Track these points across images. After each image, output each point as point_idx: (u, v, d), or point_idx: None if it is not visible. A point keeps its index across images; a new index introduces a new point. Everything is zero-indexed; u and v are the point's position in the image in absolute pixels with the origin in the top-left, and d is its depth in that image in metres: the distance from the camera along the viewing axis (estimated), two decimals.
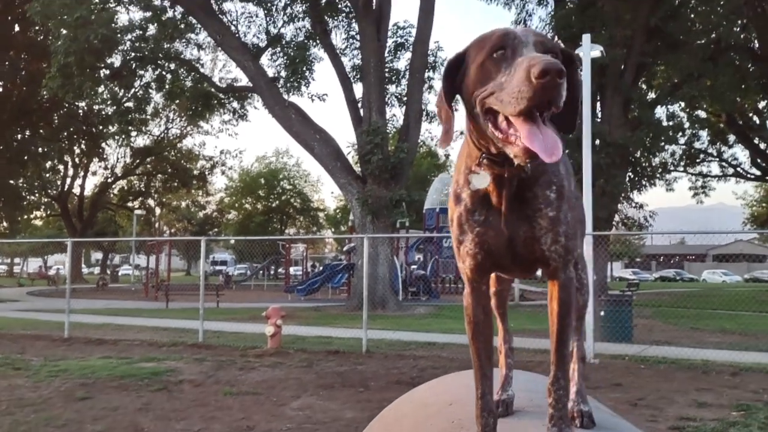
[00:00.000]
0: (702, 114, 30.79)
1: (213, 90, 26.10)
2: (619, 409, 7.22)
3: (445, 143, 1.46)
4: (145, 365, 9.71)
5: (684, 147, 34.45)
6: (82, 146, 45.00)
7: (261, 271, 45.36)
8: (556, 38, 23.52)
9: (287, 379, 8.87)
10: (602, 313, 13.18)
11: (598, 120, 21.04)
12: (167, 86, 24.82)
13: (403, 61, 23.97)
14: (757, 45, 24.86)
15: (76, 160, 47.28)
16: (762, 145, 32.82)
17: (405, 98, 22.51)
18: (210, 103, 26.36)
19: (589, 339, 10.46)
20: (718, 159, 37.50)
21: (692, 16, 22.59)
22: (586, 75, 10.30)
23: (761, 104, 30.37)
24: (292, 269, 44.89)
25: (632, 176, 23.21)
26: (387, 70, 22.94)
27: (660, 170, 34.24)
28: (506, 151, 1.33)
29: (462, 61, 1.45)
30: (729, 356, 10.64)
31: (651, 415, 6.91)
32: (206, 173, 49.99)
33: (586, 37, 10.08)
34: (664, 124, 24.47)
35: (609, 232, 20.36)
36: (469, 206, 1.49)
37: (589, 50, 10.07)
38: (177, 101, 27.73)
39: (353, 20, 23.09)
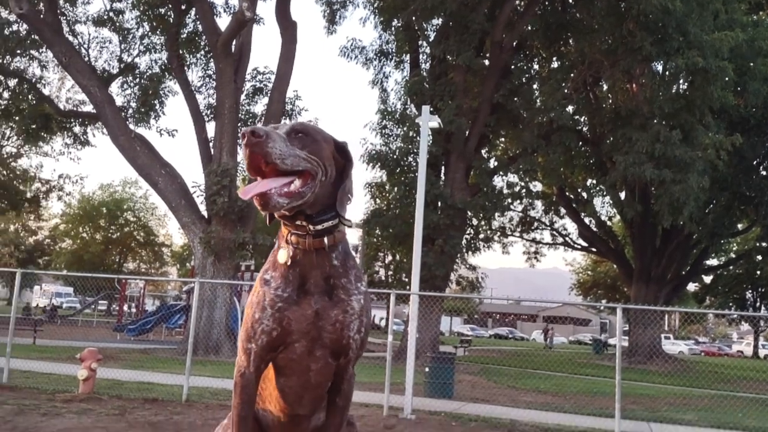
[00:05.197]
0: (539, 185, 33.27)
1: (54, 112, 24.67)
2: None
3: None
4: None
5: (521, 214, 36.94)
6: None
7: (92, 306, 42.62)
8: (408, 101, 24.70)
9: (93, 428, 8.36)
10: (427, 369, 13.68)
11: (442, 183, 22.12)
12: (2, 103, 23.15)
13: (260, 106, 24.04)
14: (585, 128, 27.45)
15: None
16: (587, 220, 35.85)
17: None
18: (49, 125, 24.85)
19: (408, 394, 10.79)
20: (550, 228, 40.46)
21: (534, 96, 24.59)
22: (423, 141, 10.91)
23: (589, 181, 33.28)
24: (127, 307, 42.60)
25: (468, 239, 24.51)
26: (243, 112, 22.88)
27: (498, 234, 36.41)
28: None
29: None
30: (535, 416, 11.36)
31: None
32: (41, 197, 46.56)
33: (425, 108, 10.70)
34: (505, 191, 26.24)
35: (444, 293, 21.25)
36: (274, 285, 1.57)
37: (427, 119, 10.67)
38: (15, 119, 25.92)
39: (212, 59, 22.92)
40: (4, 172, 44.72)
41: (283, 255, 1.56)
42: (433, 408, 11.64)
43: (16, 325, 13.77)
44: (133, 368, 15.06)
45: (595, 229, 36.57)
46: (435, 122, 11.13)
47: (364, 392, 11.87)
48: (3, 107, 23.47)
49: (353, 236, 34.31)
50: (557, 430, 10.42)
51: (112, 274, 42.50)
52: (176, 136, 24.49)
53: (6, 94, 23.26)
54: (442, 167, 23.21)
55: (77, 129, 27.32)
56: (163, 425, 8.85)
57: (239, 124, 21.99)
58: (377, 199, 24.98)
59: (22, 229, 59.15)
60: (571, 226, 39.52)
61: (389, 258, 39.48)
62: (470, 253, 24.37)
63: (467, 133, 22.41)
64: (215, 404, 10.81)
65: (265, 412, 1.63)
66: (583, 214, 34.67)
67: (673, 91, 21.82)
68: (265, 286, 1.53)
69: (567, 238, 41.50)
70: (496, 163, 25.24)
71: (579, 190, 34.79)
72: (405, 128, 22.52)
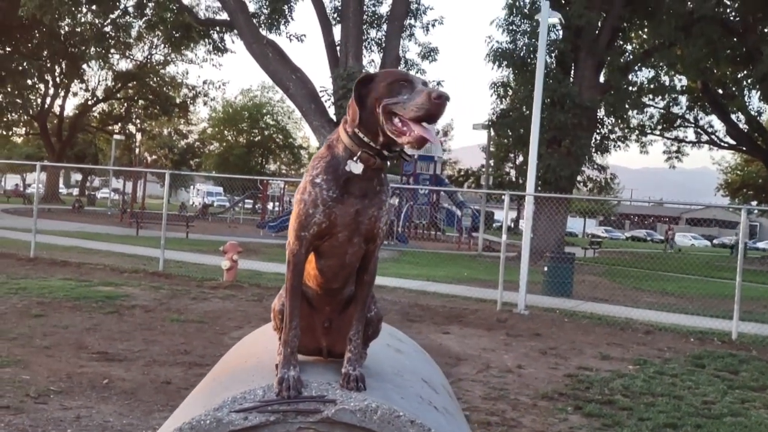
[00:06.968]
0: (684, 80, 31.21)
1: (193, 21, 25.97)
2: (529, 356, 7.96)
3: (352, 125, 1.97)
4: (103, 289, 10.29)
5: (662, 111, 34.96)
6: (63, 66, 44.52)
7: (238, 205, 45.81)
8: None
9: (235, 311, 9.49)
10: (546, 269, 13.93)
11: (570, 81, 21.38)
12: (148, 14, 24.71)
13: (384, 7, 24.03)
14: (731, 17, 25.07)
15: (57, 79, 46.78)
16: (734, 116, 33.35)
17: (384, 44, 22.67)
18: (190, 33, 26.27)
19: (522, 291, 11.18)
20: (694, 125, 38.07)
21: None
22: (542, 38, 10.74)
23: (739, 74, 30.70)
24: (271, 205, 45.31)
25: (598, 138, 23.73)
26: (368, 14, 23.02)
27: (636, 132, 34.84)
28: (397, 140, 1.90)
29: (371, 80, 2.01)
30: (652, 316, 11.42)
31: (555, 363, 7.62)
32: (188, 102, 49.73)
33: (545, 4, 10.44)
34: (645, 86, 24.90)
35: (570, 194, 20.98)
36: (324, 187, 1.96)
37: (547, 15, 10.47)
38: (159, 28, 27.63)
39: None
40: (155, 79, 48.00)
41: (357, 168, 1.96)
42: (549, 305, 11.98)
43: (173, 221, 15.38)
44: (271, 260, 16.44)
45: (743, 126, 34.04)
46: (555, 18, 10.88)
47: (479, 288, 12.40)
48: (149, 18, 25.02)
49: (482, 137, 34.20)
50: (672, 329, 10.47)
51: (255, 176, 45.15)
52: (305, 41, 25.13)
53: (150, 5, 24.76)
54: (572, 65, 22.35)
55: (216, 37, 28.70)
56: None
57: (364, 26, 22.20)
58: (503, 99, 24.61)
59: (174, 133, 63.54)
60: (718, 123, 37.02)
61: (520, 159, 39.08)
62: (599, 153, 23.67)
63: (599, 27, 21.31)
64: None
65: (306, 287, 2.10)
66: (730, 109, 32.26)
67: None
68: (316, 187, 1.95)
69: (713, 136, 39.01)
70: (630, 58, 23.85)
71: (727, 83, 32.21)
72: (533, 23, 21.75)
